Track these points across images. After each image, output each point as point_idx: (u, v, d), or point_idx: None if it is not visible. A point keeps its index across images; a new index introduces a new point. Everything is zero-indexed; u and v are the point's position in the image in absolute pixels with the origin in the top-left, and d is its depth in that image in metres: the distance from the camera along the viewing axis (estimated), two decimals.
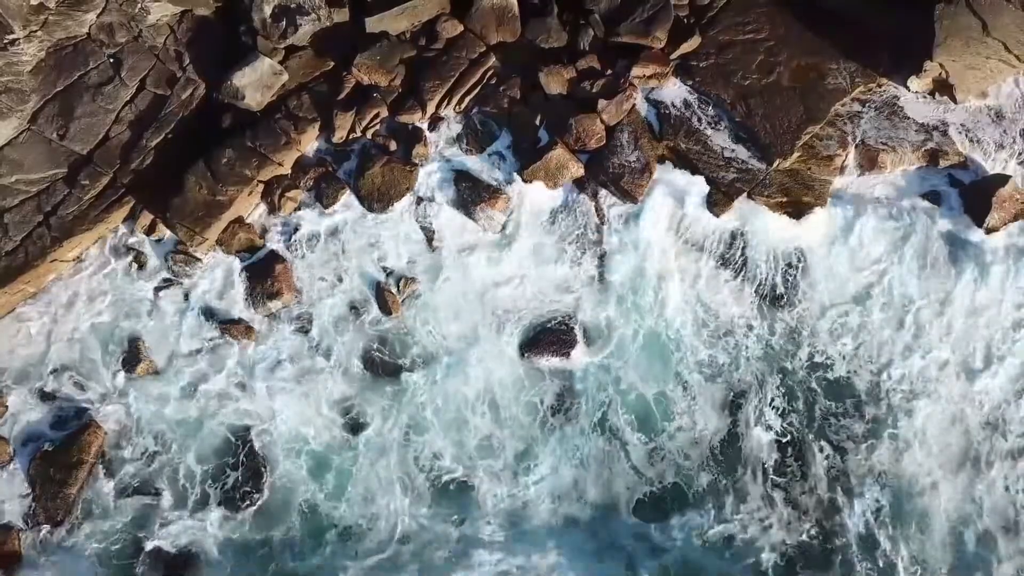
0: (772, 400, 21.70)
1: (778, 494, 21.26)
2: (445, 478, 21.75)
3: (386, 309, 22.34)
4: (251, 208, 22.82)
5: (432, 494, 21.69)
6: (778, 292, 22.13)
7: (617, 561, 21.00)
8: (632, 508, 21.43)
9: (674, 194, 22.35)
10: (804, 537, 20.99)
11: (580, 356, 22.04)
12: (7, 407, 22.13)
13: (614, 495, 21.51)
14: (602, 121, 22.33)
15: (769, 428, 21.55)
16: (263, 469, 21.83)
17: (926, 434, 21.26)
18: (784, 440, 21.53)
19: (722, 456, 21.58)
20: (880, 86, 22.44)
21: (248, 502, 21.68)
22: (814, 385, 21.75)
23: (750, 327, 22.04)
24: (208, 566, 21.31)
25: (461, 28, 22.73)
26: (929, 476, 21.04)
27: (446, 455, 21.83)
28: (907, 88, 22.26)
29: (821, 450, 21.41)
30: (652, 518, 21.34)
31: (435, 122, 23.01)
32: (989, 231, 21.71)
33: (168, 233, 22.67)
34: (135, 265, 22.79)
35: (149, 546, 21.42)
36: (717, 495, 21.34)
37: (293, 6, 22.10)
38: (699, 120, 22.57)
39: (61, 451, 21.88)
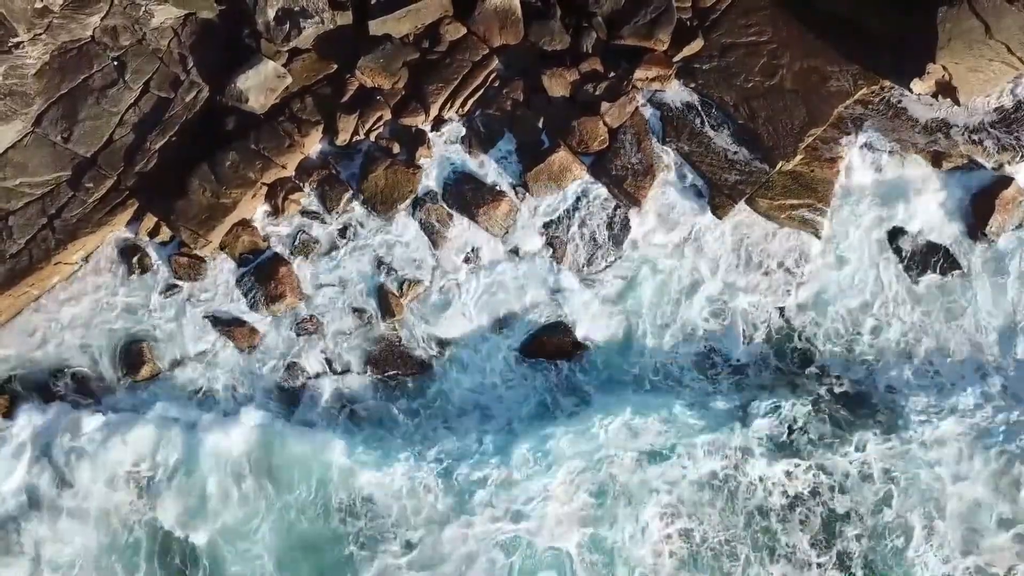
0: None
1: None
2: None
3: (389, 312, 22.35)
4: (254, 211, 22.85)
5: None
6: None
7: None
8: None
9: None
10: None
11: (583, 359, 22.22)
12: (9, 409, 22.16)
13: None
14: (605, 123, 22.36)
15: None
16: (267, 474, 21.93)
17: None
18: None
19: None
20: (883, 88, 22.45)
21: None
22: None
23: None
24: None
25: (464, 31, 22.76)
26: None
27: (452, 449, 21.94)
28: (910, 90, 22.21)
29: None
30: None
31: (438, 125, 23.02)
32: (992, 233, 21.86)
33: (172, 235, 22.70)
34: (138, 267, 22.76)
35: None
36: None
37: (297, 9, 22.14)
38: (702, 122, 22.59)
39: None
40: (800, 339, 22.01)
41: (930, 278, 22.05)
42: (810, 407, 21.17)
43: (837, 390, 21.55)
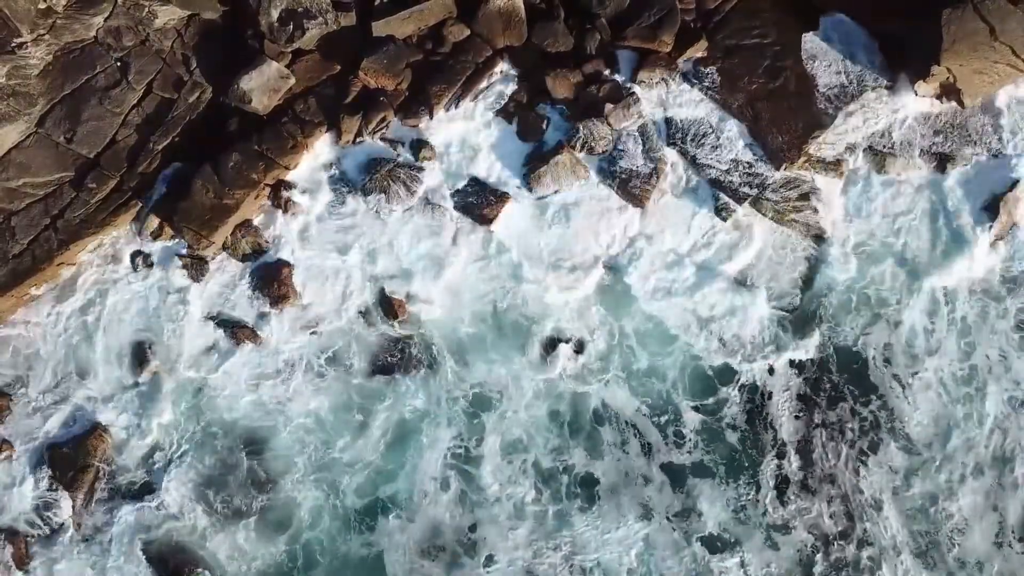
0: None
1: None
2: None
3: (392, 313, 22.34)
4: (257, 211, 22.83)
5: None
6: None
7: None
8: None
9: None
10: None
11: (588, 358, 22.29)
12: (11, 410, 22.16)
13: None
14: (609, 125, 22.35)
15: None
16: (268, 474, 21.95)
17: None
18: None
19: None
20: (886, 90, 22.42)
21: (254, 508, 21.82)
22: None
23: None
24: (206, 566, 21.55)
25: (468, 32, 22.73)
26: None
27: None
28: (915, 92, 22.20)
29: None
30: None
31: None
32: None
33: (175, 236, 22.67)
34: (141, 268, 22.76)
35: (152, 546, 21.61)
36: None
37: (300, 10, 22.14)
38: (705, 124, 22.56)
39: (67, 455, 21.94)
40: None
41: None
42: None
43: None
